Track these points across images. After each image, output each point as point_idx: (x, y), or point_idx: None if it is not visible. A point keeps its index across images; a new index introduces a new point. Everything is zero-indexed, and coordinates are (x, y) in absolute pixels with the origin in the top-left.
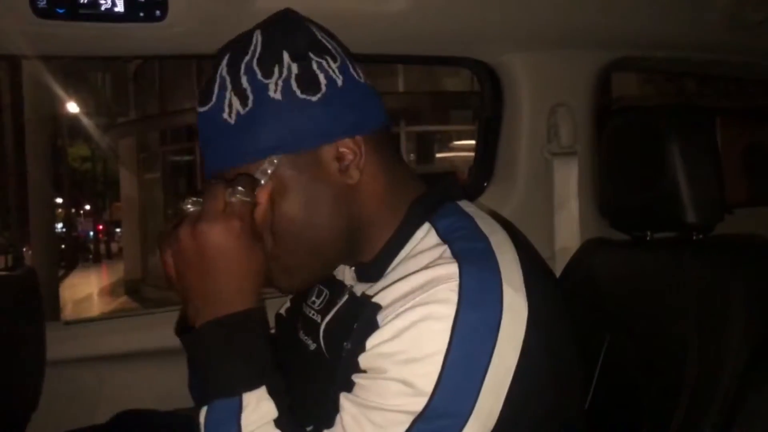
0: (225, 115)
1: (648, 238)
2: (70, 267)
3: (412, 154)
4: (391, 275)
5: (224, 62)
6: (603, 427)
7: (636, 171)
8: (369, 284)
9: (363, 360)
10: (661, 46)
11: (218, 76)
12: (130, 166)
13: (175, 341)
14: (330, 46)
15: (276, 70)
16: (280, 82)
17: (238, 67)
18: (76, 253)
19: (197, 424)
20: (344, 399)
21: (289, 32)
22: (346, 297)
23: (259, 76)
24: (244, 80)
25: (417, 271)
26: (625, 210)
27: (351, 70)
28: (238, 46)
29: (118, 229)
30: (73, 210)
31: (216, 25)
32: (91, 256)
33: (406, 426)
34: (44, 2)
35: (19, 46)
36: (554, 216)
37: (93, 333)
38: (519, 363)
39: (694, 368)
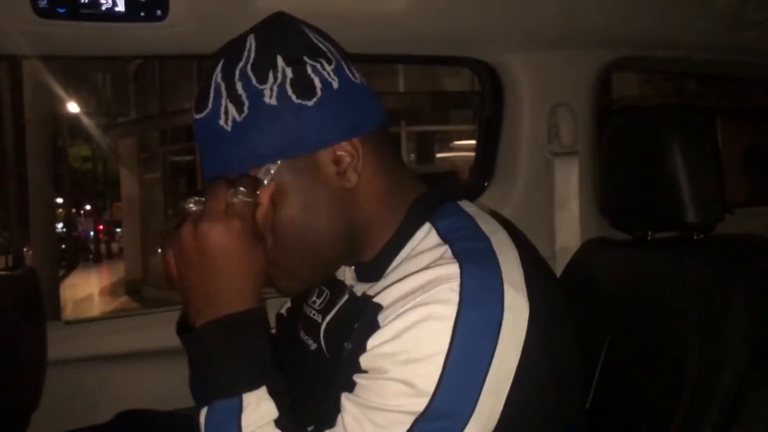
0: (221, 122)
1: (649, 238)
2: (71, 267)
3: (412, 154)
4: (391, 275)
5: (219, 68)
6: (603, 427)
7: (637, 171)
8: (370, 284)
9: (364, 360)
10: (661, 46)
11: (213, 82)
12: (130, 166)
13: (175, 341)
14: (325, 49)
15: (271, 75)
16: (275, 88)
17: (233, 73)
18: (77, 253)
19: (198, 424)
20: (345, 399)
21: (282, 36)
22: (346, 297)
23: (254, 82)
24: (239, 86)
25: (418, 271)
26: (625, 210)
27: (346, 71)
28: (232, 51)
29: (118, 229)
30: (74, 210)
31: (217, 25)
32: (91, 256)
33: (407, 426)
34: (45, 2)
35: (19, 46)
36: (555, 216)
37: (93, 333)
38: (520, 363)
39: (695, 368)
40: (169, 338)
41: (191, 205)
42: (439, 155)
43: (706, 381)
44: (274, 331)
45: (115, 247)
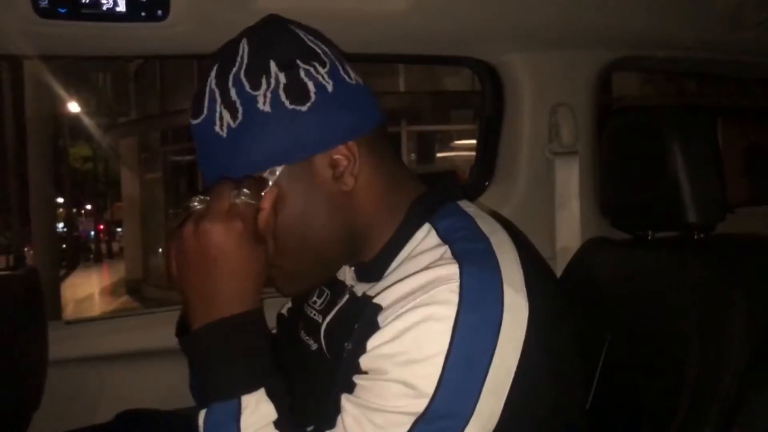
0: (217, 128)
1: (649, 238)
2: (72, 267)
3: (413, 154)
4: (391, 276)
5: (213, 74)
6: (603, 427)
7: (637, 171)
8: (370, 284)
9: (364, 361)
10: (661, 46)
11: (208, 88)
12: (131, 165)
13: (176, 341)
14: (319, 50)
15: (264, 81)
16: (268, 94)
17: (227, 78)
18: (78, 253)
19: (197, 425)
20: (345, 400)
21: (275, 40)
22: (346, 297)
23: (248, 88)
24: (232, 92)
25: (417, 271)
26: (626, 209)
27: (341, 72)
28: (226, 55)
29: (119, 229)
30: (75, 210)
31: (217, 25)
32: (92, 256)
33: (407, 427)
34: (46, 2)
35: (20, 46)
36: (555, 215)
37: (94, 333)
38: (520, 363)
39: (695, 368)
40: (170, 338)
41: (195, 204)
42: (439, 155)
43: (707, 381)
44: (275, 331)
45: (115, 246)
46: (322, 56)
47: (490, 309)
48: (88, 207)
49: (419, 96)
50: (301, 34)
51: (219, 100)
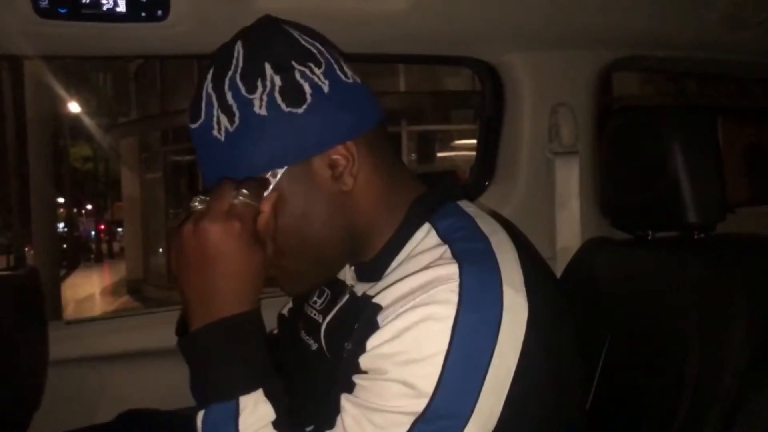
0: (215, 133)
1: (649, 238)
2: (72, 267)
3: (413, 154)
4: (391, 276)
5: (209, 77)
6: (603, 428)
7: (637, 170)
8: (370, 284)
9: (363, 361)
10: (661, 46)
11: (204, 92)
12: (131, 165)
13: (176, 341)
14: (314, 50)
15: (259, 84)
16: (264, 97)
17: (223, 82)
18: (78, 253)
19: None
20: (345, 400)
21: (270, 42)
22: (347, 297)
23: (243, 91)
24: (229, 96)
25: (417, 271)
26: (626, 209)
27: (338, 72)
28: (221, 59)
29: (119, 229)
30: (75, 210)
31: (217, 25)
32: (92, 256)
33: (407, 427)
34: (46, 2)
35: (20, 46)
36: (555, 215)
37: (95, 333)
38: (519, 363)
39: (695, 368)
40: (170, 338)
41: (196, 204)
42: (439, 154)
43: (707, 381)
44: (276, 331)
45: (116, 246)
46: (318, 56)
47: (490, 309)
48: (89, 207)
49: (419, 96)
50: (296, 34)
51: (216, 105)
